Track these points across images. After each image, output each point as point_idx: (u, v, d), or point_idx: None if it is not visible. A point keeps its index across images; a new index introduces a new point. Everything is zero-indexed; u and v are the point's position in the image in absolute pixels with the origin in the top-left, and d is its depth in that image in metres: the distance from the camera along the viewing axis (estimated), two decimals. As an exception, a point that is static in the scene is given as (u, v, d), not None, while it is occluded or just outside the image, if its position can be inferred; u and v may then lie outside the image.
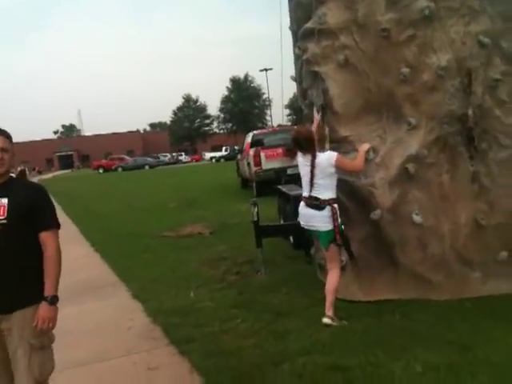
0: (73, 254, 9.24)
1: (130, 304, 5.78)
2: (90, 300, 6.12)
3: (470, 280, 4.87)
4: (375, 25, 4.76)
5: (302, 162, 4.83)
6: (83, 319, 5.46)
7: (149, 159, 63.49)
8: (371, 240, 4.97)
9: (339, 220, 4.67)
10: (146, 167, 57.50)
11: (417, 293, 4.85)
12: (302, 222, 4.92)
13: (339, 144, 5.03)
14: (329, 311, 4.62)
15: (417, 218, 4.76)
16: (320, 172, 4.70)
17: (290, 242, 7.74)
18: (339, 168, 4.74)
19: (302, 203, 4.85)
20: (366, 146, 4.85)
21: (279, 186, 8.84)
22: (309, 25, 5.07)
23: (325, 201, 4.68)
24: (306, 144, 4.78)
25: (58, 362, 2.97)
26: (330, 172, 4.70)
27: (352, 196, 5.03)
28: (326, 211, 4.65)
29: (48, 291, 2.76)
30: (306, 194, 4.79)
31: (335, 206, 4.69)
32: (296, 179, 8.67)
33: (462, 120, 4.80)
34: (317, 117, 5.20)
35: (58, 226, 2.92)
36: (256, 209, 6.38)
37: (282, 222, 8.61)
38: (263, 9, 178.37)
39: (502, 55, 4.87)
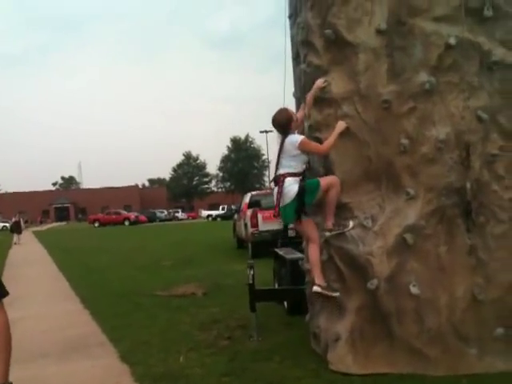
0: (62, 310, 9.10)
1: (117, 366, 5.59)
2: (76, 359, 5.93)
3: (466, 356, 4.74)
4: (377, 96, 4.86)
5: (276, 142, 5.12)
6: (68, 380, 5.28)
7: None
8: (367, 310, 4.87)
9: (287, 196, 4.90)
10: None
11: (412, 367, 4.72)
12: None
13: (338, 210, 5.04)
14: (318, 280, 4.88)
15: (414, 290, 4.69)
16: (284, 152, 4.98)
17: (285, 307, 7.59)
18: (304, 151, 4.97)
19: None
20: (342, 125, 4.93)
21: (275, 249, 8.77)
22: (312, 93, 5.17)
23: (280, 176, 4.95)
24: (280, 128, 5.06)
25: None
26: (294, 153, 4.95)
27: (349, 264, 4.97)
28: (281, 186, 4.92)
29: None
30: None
31: (288, 178, 4.91)
32: (294, 243, 8.68)
33: (459, 193, 4.81)
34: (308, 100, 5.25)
35: (4, 294, 2.26)
36: (252, 272, 6.30)
37: (276, 285, 8.50)
38: (268, 71, 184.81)
39: (499, 131, 4.92)
